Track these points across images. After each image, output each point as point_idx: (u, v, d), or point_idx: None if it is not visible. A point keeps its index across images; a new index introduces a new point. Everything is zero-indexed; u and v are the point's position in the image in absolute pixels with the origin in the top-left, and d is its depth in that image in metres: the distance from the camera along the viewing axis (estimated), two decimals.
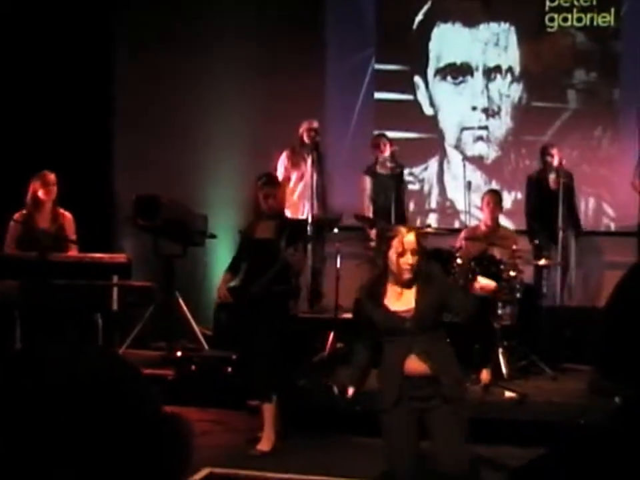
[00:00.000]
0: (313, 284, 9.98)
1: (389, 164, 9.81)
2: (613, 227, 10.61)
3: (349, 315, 9.13)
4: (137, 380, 1.44)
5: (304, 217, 9.61)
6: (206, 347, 9.15)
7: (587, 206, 10.55)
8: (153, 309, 9.02)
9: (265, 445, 6.72)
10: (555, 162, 9.31)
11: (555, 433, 6.73)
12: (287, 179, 9.83)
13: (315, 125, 9.89)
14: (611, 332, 1.56)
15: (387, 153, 9.79)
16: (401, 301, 4.82)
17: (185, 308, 9.17)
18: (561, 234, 9.07)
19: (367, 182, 9.99)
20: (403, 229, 4.99)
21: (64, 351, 1.43)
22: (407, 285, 4.82)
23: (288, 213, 9.60)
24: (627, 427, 1.51)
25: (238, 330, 7.18)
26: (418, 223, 10.60)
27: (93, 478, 1.30)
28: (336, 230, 8.40)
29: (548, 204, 9.09)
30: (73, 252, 8.39)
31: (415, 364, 4.79)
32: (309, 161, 9.73)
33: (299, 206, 9.83)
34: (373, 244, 9.46)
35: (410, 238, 4.80)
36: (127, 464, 1.33)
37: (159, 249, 9.17)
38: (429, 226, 9.57)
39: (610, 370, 1.56)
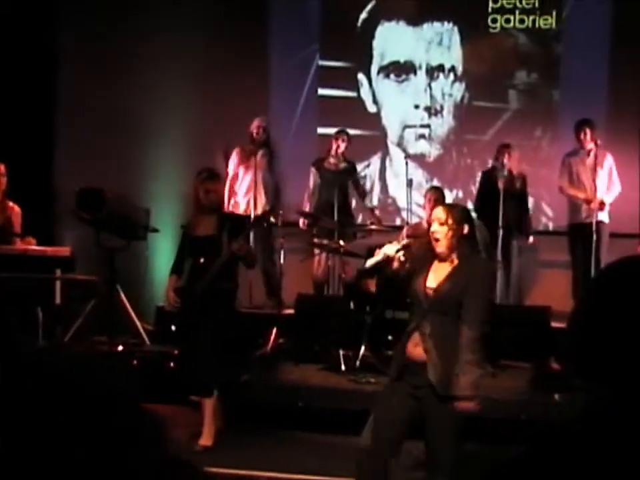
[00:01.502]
0: (266, 280, 9.96)
1: (335, 160, 9.81)
2: (551, 226, 10.77)
3: (291, 311, 9.17)
4: (114, 375, 1.44)
5: (254, 213, 9.63)
6: (147, 341, 9.10)
7: None
8: (94, 302, 8.94)
9: (206, 440, 6.70)
10: (507, 162, 9.42)
11: (497, 429, 6.83)
12: (236, 175, 9.82)
13: (263, 121, 9.89)
14: (584, 330, 1.59)
15: (337, 149, 9.78)
16: (435, 276, 4.77)
17: (126, 302, 9.10)
18: (501, 233, 9.17)
19: (313, 175, 9.98)
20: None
21: (42, 349, 1.43)
22: (442, 259, 4.77)
23: (241, 209, 9.64)
24: (599, 427, 1.54)
25: (181, 326, 7.14)
26: (360, 219, 10.66)
27: (72, 471, 1.31)
28: (272, 220, 8.38)
29: (497, 202, 9.18)
30: (19, 245, 8.29)
31: (414, 346, 4.75)
32: (258, 157, 9.74)
33: (248, 202, 9.81)
34: (316, 240, 9.51)
35: (437, 209, 4.86)
36: (104, 458, 1.33)
37: (100, 242, 9.08)
38: (373, 223, 9.63)
39: (582, 368, 1.59)
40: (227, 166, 9.97)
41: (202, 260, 6.78)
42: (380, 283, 5.13)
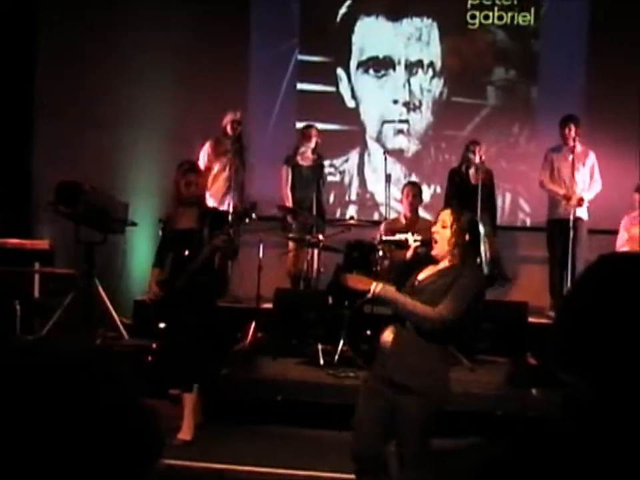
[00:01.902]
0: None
1: (310, 155, 9.83)
2: (528, 222, 10.83)
3: (269, 305, 9.18)
4: (114, 370, 1.45)
5: (225, 207, 9.61)
6: (125, 335, 9.08)
7: (504, 201, 10.75)
8: (72, 296, 8.91)
9: (185, 434, 6.71)
10: (477, 158, 9.45)
11: (474, 423, 6.87)
12: (209, 168, 9.79)
13: (238, 116, 9.87)
14: (570, 326, 1.61)
15: (310, 145, 9.79)
16: (426, 272, 4.76)
17: (104, 296, 9.08)
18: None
19: (286, 172, 9.97)
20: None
21: (39, 342, 1.43)
22: (436, 257, 4.75)
23: (210, 203, 9.61)
24: (585, 424, 1.56)
25: (163, 319, 7.12)
26: (338, 214, 10.69)
27: (63, 467, 1.32)
28: (254, 215, 8.38)
29: (467, 198, 9.22)
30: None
31: (386, 336, 4.76)
32: (232, 152, 9.74)
33: (220, 197, 9.79)
34: (292, 235, 9.52)
35: (445, 211, 4.87)
36: (100, 452, 1.34)
37: (79, 236, 9.05)
38: (352, 218, 9.66)
39: (567, 364, 1.61)
40: (198, 158, 9.93)
41: (183, 253, 6.78)
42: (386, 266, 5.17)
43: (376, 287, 4.62)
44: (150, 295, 6.97)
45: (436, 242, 4.71)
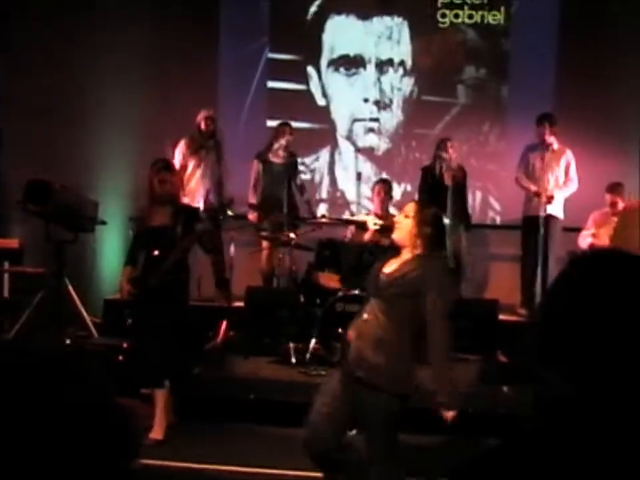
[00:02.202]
0: (216, 272, 9.92)
1: (282, 153, 9.81)
2: (498, 220, 10.88)
3: (241, 304, 9.15)
4: (87, 368, 1.44)
5: (200, 205, 9.60)
6: (95, 334, 9.03)
7: (474, 199, 10.79)
8: (42, 295, 8.85)
9: (157, 433, 6.67)
10: (449, 156, 9.48)
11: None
12: (184, 167, 9.75)
13: (212, 113, 9.84)
14: (551, 323, 1.62)
15: (282, 142, 9.77)
16: (390, 265, 4.77)
17: (74, 295, 9.02)
18: (448, 227, 9.23)
19: (256, 167, 9.95)
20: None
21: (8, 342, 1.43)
22: (397, 243, 4.80)
23: (187, 201, 9.59)
24: (566, 422, 1.56)
25: (134, 317, 7.08)
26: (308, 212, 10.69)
27: (40, 464, 1.31)
28: (230, 212, 8.36)
29: (439, 196, 9.25)
30: None
31: (351, 328, 4.78)
32: (206, 149, 9.71)
33: (196, 194, 9.75)
34: (264, 233, 9.50)
35: (410, 204, 4.94)
36: (74, 452, 1.33)
37: (49, 235, 8.98)
38: (324, 216, 9.65)
39: (548, 361, 1.61)
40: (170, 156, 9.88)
41: (156, 251, 6.74)
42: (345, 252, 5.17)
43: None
44: (123, 293, 6.91)
45: (397, 230, 4.78)
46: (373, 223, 4.95)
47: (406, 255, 4.76)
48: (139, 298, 6.78)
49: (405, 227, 4.75)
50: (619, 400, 1.53)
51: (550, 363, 1.63)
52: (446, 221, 4.95)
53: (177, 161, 9.55)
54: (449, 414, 4.72)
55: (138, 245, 7.04)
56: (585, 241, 9.25)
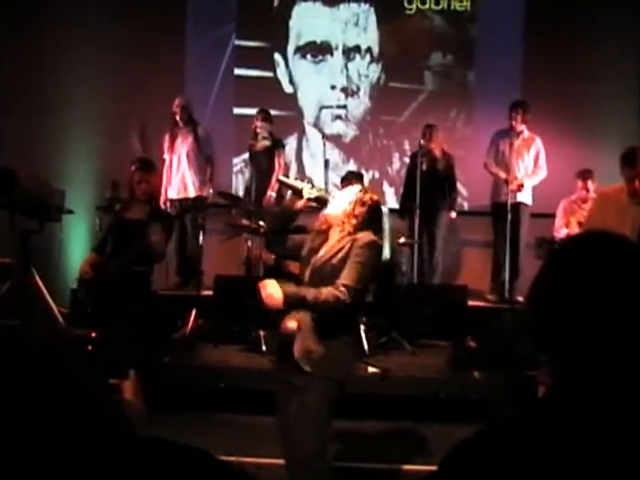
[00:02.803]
0: (189, 262, 9.89)
1: (260, 140, 9.74)
2: (466, 206, 10.90)
3: (210, 292, 9.12)
4: (80, 360, 1.42)
5: (188, 195, 9.61)
6: (63, 324, 8.94)
7: None
8: (8, 286, 8.74)
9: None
10: (428, 144, 9.47)
11: (418, 406, 6.91)
12: (170, 159, 9.70)
13: (183, 100, 9.78)
14: (544, 305, 1.61)
15: (257, 130, 9.70)
16: (324, 247, 4.59)
17: (41, 285, 8.92)
18: (418, 213, 9.24)
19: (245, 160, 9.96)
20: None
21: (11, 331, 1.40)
22: (329, 218, 4.62)
23: (174, 191, 9.57)
24: (555, 409, 1.56)
25: (97, 308, 7.03)
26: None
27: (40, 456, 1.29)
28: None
29: (424, 183, 9.24)
30: None
31: (288, 319, 4.64)
32: (182, 137, 9.68)
33: (179, 185, 9.71)
34: (233, 221, 9.45)
35: (356, 186, 4.79)
36: (72, 439, 1.32)
37: (14, 224, 8.87)
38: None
39: (543, 344, 1.61)
40: (144, 149, 9.86)
41: (123, 242, 6.72)
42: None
43: (281, 301, 4.33)
44: (80, 275, 7.09)
45: (331, 204, 4.61)
46: (308, 191, 4.71)
47: (335, 236, 4.58)
48: (96, 282, 6.75)
49: (339, 203, 4.56)
50: (612, 383, 1.52)
51: (544, 347, 1.62)
52: (384, 209, 4.76)
53: (166, 155, 9.60)
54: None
55: (109, 235, 7.05)
56: (559, 231, 9.27)
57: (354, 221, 4.50)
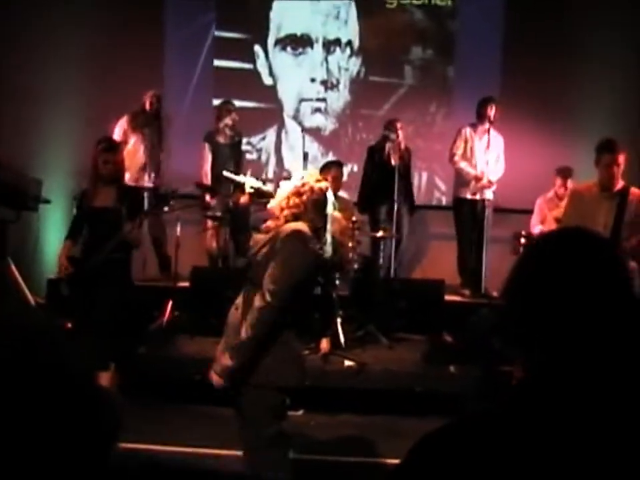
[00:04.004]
0: (158, 253, 9.89)
1: (228, 132, 9.74)
2: (444, 200, 10.91)
3: (186, 284, 9.10)
4: (71, 351, 1.42)
5: (141, 184, 9.53)
6: None
7: (420, 180, 10.83)
8: None
9: None
10: (397, 137, 9.47)
11: (394, 400, 6.92)
12: (124, 142, 9.63)
13: (157, 92, 9.73)
14: (518, 300, 1.62)
15: (228, 121, 9.69)
16: (258, 242, 4.42)
17: (17, 276, 8.86)
18: (396, 207, 9.23)
19: (206, 150, 9.88)
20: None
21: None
22: (269, 213, 4.45)
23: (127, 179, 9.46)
24: (528, 396, 1.57)
25: (75, 299, 6.97)
26: None
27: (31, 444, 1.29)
28: (172, 202, 8.27)
29: (384, 177, 9.25)
30: None
31: (227, 323, 4.56)
32: (150, 129, 9.63)
33: (135, 173, 9.65)
34: (209, 213, 9.43)
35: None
36: (63, 429, 1.32)
37: None
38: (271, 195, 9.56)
39: (512, 338, 1.62)
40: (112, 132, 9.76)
41: (99, 231, 6.68)
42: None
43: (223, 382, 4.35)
44: (60, 269, 6.87)
45: (274, 198, 4.45)
46: (250, 185, 4.56)
47: (271, 230, 4.41)
48: (78, 277, 6.70)
49: (279, 195, 4.39)
50: (582, 376, 1.53)
51: (516, 340, 1.63)
52: (330, 197, 4.49)
53: (117, 136, 9.50)
54: (217, 380, 4.39)
55: (80, 222, 7.00)
56: (534, 228, 9.30)
57: (286, 212, 4.32)
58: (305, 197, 4.33)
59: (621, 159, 6.20)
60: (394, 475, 1.61)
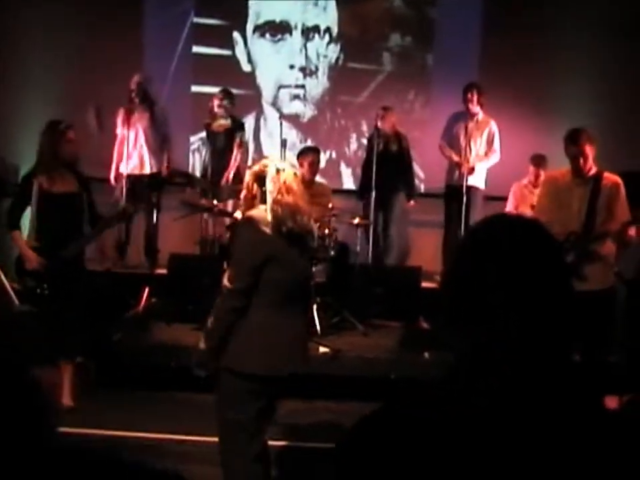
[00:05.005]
0: (147, 240, 9.83)
1: (219, 120, 9.70)
2: (422, 188, 10.92)
3: (164, 271, 9.09)
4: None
5: (143, 172, 9.53)
6: (16, 301, 8.84)
7: None
8: None
9: (68, 399, 6.55)
10: (382, 125, 9.47)
11: (368, 387, 6.94)
12: (123, 136, 9.60)
13: (140, 78, 9.66)
14: (451, 287, 1.65)
15: (215, 109, 9.64)
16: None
17: None
18: (373, 195, 9.26)
19: (202, 138, 9.88)
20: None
21: None
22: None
23: (129, 168, 9.44)
24: (458, 382, 1.59)
25: (46, 288, 6.79)
26: (230, 175, 10.62)
27: None
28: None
29: (380, 164, 9.26)
30: None
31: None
32: (137, 115, 9.59)
33: (129, 162, 9.62)
34: (187, 200, 9.41)
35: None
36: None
37: None
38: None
39: (449, 326, 1.64)
40: (100, 126, 9.74)
41: (64, 219, 6.52)
42: None
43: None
44: (31, 264, 6.54)
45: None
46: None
47: None
48: (52, 268, 6.53)
49: (245, 195, 4.45)
50: (514, 361, 1.56)
51: (454, 327, 1.65)
52: (269, 174, 4.38)
53: (119, 130, 9.49)
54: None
55: (25, 206, 6.64)
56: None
57: (245, 199, 4.43)
58: (256, 178, 4.37)
59: (587, 149, 6.22)
60: (334, 454, 1.63)
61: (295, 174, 4.43)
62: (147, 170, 9.64)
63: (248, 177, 4.44)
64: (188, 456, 5.83)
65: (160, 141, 9.80)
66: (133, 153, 9.65)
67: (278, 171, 4.34)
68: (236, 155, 9.79)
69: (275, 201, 4.26)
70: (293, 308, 4.43)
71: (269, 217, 4.26)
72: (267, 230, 4.25)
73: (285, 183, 4.30)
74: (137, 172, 9.60)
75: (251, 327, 4.31)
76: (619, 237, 6.31)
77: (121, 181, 9.39)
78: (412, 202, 9.96)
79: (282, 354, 4.40)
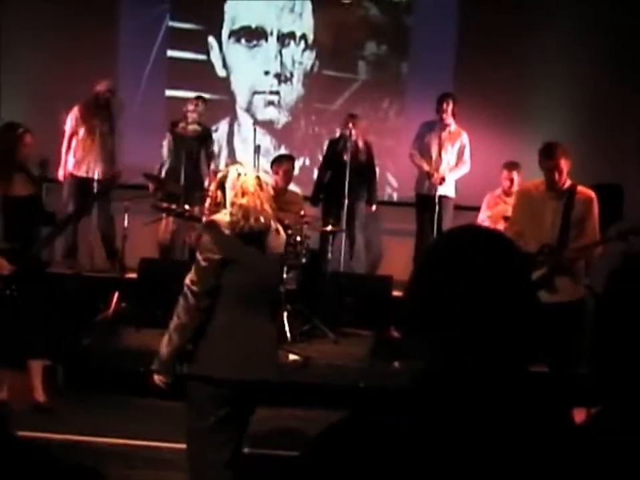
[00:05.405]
0: (106, 247, 9.79)
1: (190, 125, 9.65)
2: (395, 196, 10.94)
3: (134, 275, 9.04)
4: None
5: (92, 175, 9.43)
6: None
7: None
8: None
9: (42, 396, 6.48)
10: (349, 134, 9.45)
11: (337, 395, 6.91)
12: (75, 133, 9.55)
13: (109, 83, 9.61)
14: (416, 296, 1.64)
15: (190, 114, 9.61)
16: None
17: None
18: (346, 203, 9.25)
19: (167, 140, 9.80)
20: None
21: None
22: None
23: (80, 171, 9.40)
24: (427, 390, 1.58)
25: (15, 289, 6.70)
26: (206, 183, 10.59)
27: None
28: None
29: (338, 173, 9.27)
30: None
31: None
32: (99, 120, 9.53)
33: (82, 164, 9.55)
34: (159, 203, 9.36)
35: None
36: None
37: None
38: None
39: (413, 333, 1.64)
40: (65, 123, 9.64)
41: (25, 222, 6.44)
42: None
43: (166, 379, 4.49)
44: (4, 270, 6.34)
45: None
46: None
47: None
48: (20, 270, 6.44)
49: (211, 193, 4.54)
50: (480, 367, 1.55)
51: (417, 334, 1.65)
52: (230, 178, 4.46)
53: (69, 127, 9.41)
54: (157, 378, 4.48)
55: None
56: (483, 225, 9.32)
57: (210, 204, 4.52)
58: (216, 190, 4.46)
59: (562, 163, 6.22)
60: (296, 464, 1.62)
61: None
62: (96, 176, 9.51)
63: (213, 183, 4.51)
64: (156, 461, 5.80)
65: (113, 152, 9.76)
66: (85, 157, 9.56)
67: (239, 175, 4.38)
68: (210, 165, 9.79)
69: (231, 204, 4.32)
70: (258, 312, 4.43)
71: (227, 220, 4.31)
72: (228, 232, 4.28)
73: (242, 186, 4.33)
74: (88, 175, 9.49)
75: (214, 330, 4.33)
76: (588, 254, 6.34)
77: (69, 180, 9.38)
78: (373, 207, 9.94)
79: (246, 357, 4.39)
